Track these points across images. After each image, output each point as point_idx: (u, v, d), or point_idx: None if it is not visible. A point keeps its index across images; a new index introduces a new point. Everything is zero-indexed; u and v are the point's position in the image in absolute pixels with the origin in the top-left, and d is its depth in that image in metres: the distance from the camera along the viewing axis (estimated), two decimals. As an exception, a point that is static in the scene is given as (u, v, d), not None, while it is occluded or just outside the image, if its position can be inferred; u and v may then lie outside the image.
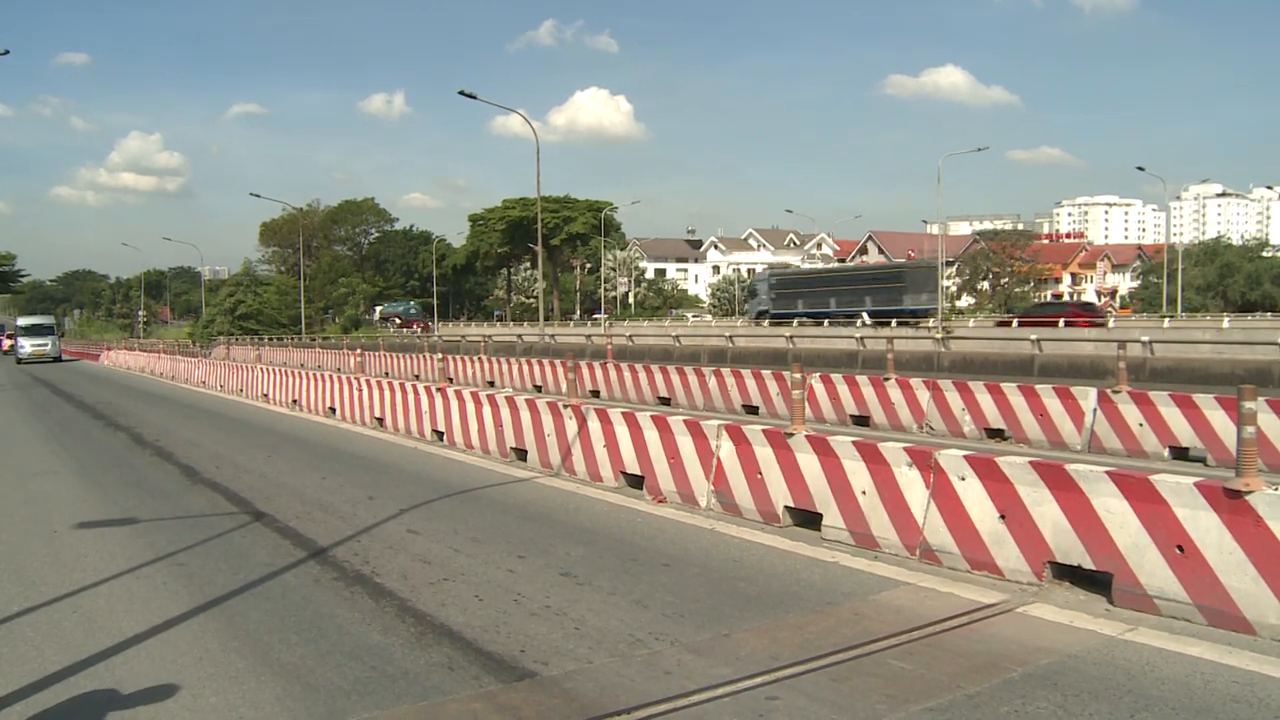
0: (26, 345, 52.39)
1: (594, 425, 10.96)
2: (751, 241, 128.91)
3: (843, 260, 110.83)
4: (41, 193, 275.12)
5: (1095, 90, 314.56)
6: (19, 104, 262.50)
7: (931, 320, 45.38)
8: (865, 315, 49.71)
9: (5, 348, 63.46)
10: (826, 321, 48.95)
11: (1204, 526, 5.73)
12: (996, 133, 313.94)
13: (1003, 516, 6.77)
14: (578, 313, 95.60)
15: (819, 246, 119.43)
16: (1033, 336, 24.63)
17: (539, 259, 56.77)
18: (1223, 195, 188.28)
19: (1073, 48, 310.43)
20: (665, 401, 20.01)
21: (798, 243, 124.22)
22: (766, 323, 55.27)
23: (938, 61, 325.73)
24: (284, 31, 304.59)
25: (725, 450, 9.09)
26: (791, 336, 35.74)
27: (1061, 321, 39.31)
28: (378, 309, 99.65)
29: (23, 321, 59.41)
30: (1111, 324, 41.68)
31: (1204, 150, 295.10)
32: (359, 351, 23.70)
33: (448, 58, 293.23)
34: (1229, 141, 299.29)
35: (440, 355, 19.91)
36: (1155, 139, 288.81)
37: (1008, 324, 43.45)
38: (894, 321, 44.11)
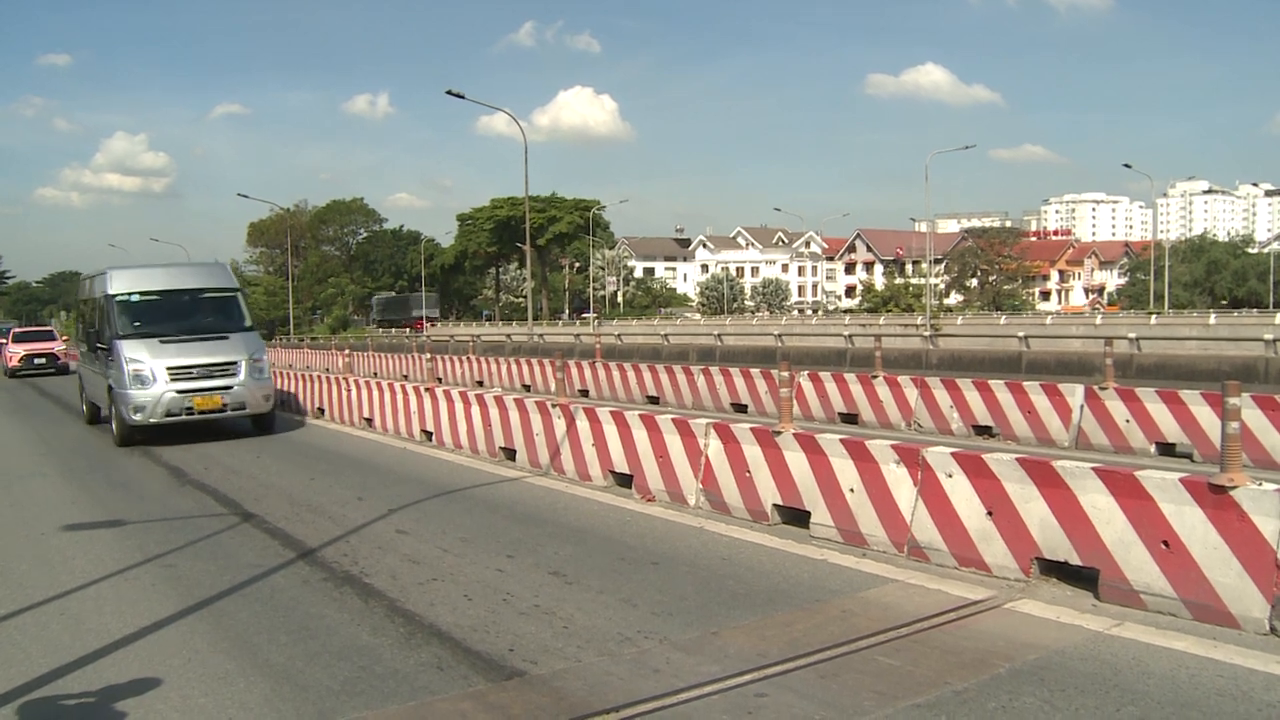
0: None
1: (582, 424, 10.96)
2: (740, 240, 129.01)
3: (831, 259, 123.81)
4: (25, 194, 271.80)
5: (1077, 88, 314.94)
6: (0, 105, 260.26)
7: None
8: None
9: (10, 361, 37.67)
10: (408, 326, 78.33)
11: (1189, 522, 5.77)
12: (979, 131, 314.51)
13: (990, 513, 6.80)
14: (566, 312, 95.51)
15: (807, 245, 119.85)
16: (1020, 334, 24.72)
17: (527, 258, 56.64)
18: (1209, 192, 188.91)
19: (1051, 46, 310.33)
20: (654, 400, 20.01)
21: (786, 241, 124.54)
22: (378, 327, 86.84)
23: (917, 60, 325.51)
24: (265, 32, 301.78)
25: (714, 449, 9.11)
26: (780, 335, 35.81)
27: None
28: None
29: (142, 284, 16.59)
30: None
31: (1190, 147, 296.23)
32: (347, 352, 23.61)
33: (430, 58, 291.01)
34: (1215, 138, 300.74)
35: (429, 355, 19.88)
36: (1141, 136, 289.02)
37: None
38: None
